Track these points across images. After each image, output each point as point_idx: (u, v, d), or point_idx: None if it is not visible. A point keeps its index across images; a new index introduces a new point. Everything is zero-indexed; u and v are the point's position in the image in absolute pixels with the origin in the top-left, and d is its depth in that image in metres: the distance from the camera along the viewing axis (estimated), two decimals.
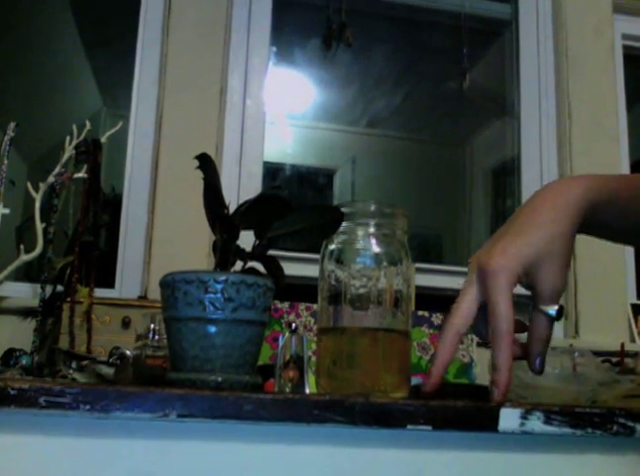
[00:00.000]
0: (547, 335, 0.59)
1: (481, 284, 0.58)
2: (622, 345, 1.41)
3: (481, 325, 0.60)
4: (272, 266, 0.85)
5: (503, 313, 0.56)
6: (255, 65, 1.75)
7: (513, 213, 0.62)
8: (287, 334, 0.79)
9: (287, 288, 0.78)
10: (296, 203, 0.84)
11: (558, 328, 1.72)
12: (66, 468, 0.54)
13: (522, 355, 0.60)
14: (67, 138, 1.38)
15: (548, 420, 0.58)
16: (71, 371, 0.87)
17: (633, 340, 1.70)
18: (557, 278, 0.58)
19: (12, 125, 1.34)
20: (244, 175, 1.68)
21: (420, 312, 1.33)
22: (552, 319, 0.58)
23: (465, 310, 0.59)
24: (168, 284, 0.66)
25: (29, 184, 1.37)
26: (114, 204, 1.60)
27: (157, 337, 0.91)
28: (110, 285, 1.56)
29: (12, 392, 0.52)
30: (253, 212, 0.81)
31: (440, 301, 1.73)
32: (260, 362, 0.72)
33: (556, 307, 0.58)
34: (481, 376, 1.29)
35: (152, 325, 0.92)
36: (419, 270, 1.31)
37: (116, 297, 1.45)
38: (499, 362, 0.56)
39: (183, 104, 1.62)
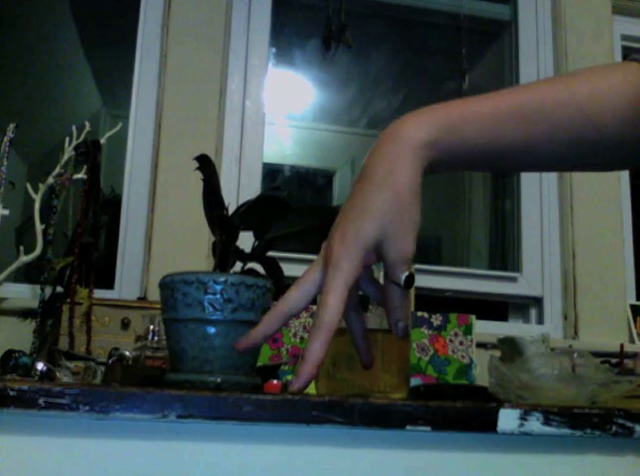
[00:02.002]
0: (401, 303, 0.57)
1: (324, 272, 0.56)
2: (622, 346, 1.41)
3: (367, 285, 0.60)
4: (272, 267, 0.85)
5: (330, 305, 0.53)
6: (254, 66, 1.75)
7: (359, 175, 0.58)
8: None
9: (287, 289, 0.78)
10: (296, 204, 0.84)
11: (557, 329, 1.73)
12: (66, 469, 0.54)
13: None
14: (67, 139, 1.38)
15: (547, 421, 0.58)
16: None
17: (632, 341, 1.70)
18: (403, 245, 0.54)
19: (12, 126, 1.34)
20: (243, 175, 1.69)
21: (419, 313, 1.33)
22: (402, 288, 0.55)
23: (300, 294, 0.57)
24: (168, 285, 0.66)
25: (28, 185, 1.37)
26: (114, 205, 1.61)
27: (156, 338, 0.91)
28: (110, 286, 1.56)
29: (11, 393, 0.52)
30: (252, 213, 0.81)
31: (439, 303, 1.73)
32: (259, 363, 0.72)
33: (405, 275, 0.55)
34: (481, 377, 1.29)
35: (151, 326, 0.92)
36: (418, 271, 1.31)
37: (115, 299, 1.45)
38: (308, 352, 0.53)
39: (183, 105, 1.62)
